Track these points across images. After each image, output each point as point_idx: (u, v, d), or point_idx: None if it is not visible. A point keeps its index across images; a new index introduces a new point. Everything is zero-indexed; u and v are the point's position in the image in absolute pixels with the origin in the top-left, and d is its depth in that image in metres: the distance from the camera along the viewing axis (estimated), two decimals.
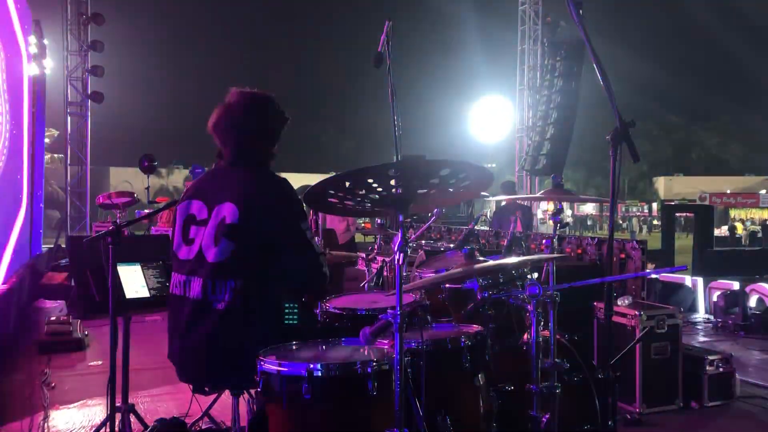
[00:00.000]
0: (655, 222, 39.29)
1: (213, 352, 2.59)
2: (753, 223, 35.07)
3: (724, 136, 57.85)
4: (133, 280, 3.53)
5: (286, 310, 2.75)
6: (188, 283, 2.65)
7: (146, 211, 9.17)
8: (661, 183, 52.36)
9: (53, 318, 6.58)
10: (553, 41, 16.77)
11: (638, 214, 43.54)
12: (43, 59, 11.22)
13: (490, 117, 22.84)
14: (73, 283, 8.12)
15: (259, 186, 2.68)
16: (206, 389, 2.79)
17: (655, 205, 42.62)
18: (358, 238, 9.95)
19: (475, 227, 6.46)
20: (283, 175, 2.83)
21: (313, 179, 2.44)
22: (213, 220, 2.64)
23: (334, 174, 2.06)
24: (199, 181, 2.87)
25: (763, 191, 42.52)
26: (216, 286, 2.58)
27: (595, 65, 2.26)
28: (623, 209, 41.99)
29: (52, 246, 11.67)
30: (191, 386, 2.77)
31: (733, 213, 38.64)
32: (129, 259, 3.53)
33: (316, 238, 2.67)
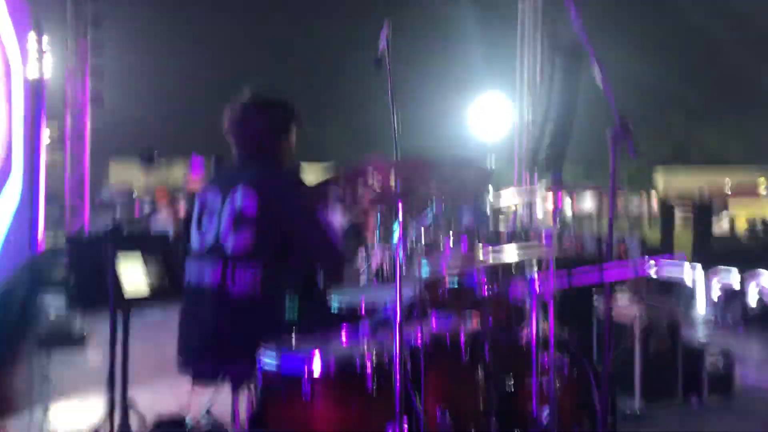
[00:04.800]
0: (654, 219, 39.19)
1: (226, 340, 2.62)
2: (753, 223, 34.96)
3: (724, 134, 57.77)
4: (133, 276, 3.53)
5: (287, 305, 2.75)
6: (203, 271, 2.67)
7: (146, 205, 9.18)
8: (660, 175, 52.20)
9: (52, 313, 6.58)
10: (553, 37, 16.73)
11: (638, 210, 43.39)
12: (43, 58, 11.19)
13: (490, 114, 22.79)
14: (72, 279, 8.11)
15: (275, 176, 2.74)
16: (206, 380, 2.80)
17: (654, 200, 42.48)
18: None
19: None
20: None
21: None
22: (229, 208, 2.66)
23: (332, 168, 2.06)
24: (215, 175, 2.98)
25: (762, 187, 42.45)
26: (235, 274, 2.60)
27: (593, 61, 2.25)
28: (623, 206, 41.85)
29: (51, 242, 11.67)
30: (191, 381, 2.77)
31: (732, 209, 38.56)
32: (129, 255, 3.53)
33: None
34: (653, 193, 41.85)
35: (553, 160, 16.19)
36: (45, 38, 11.40)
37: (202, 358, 2.69)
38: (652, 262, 7.32)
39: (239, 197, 2.64)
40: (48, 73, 12.02)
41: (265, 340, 2.41)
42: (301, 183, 2.73)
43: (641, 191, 43.39)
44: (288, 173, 2.80)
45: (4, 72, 7.25)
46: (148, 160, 6.98)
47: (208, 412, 3.67)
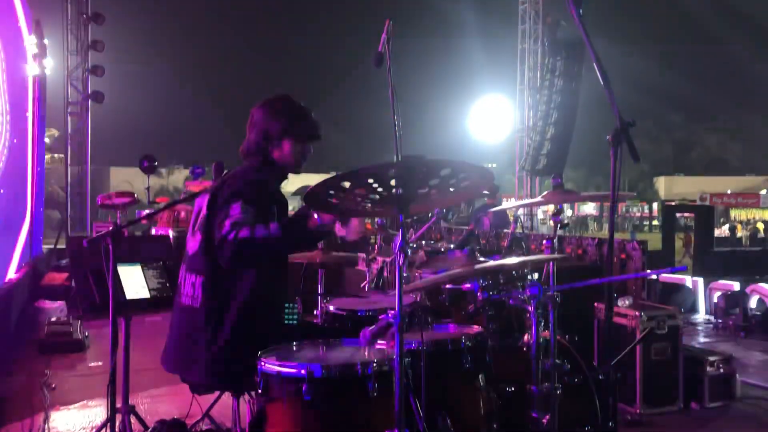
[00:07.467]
0: (655, 222, 39.23)
1: (178, 348, 2.62)
2: (750, 223, 34.92)
3: (725, 136, 57.81)
4: (134, 281, 3.54)
5: (286, 311, 2.75)
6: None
7: (146, 211, 9.16)
8: (661, 183, 52.29)
9: (53, 319, 6.57)
10: (554, 41, 16.76)
11: (639, 214, 43.48)
12: (43, 59, 11.21)
13: (491, 117, 22.81)
14: (73, 284, 8.12)
15: (227, 177, 2.67)
16: (201, 389, 2.80)
17: (655, 205, 42.56)
18: None
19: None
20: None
21: (313, 179, 2.43)
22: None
23: (334, 174, 2.06)
24: (215, 179, 2.95)
25: (764, 191, 42.46)
26: (186, 280, 2.59)
27: (595, 65, 2.25)
28: (623, 209, 41.95)
29: (52, 246, 11.66)
30: (190, 386, 2.77)
31: (733, 213, 38.54)
32: (129, 260, 3.54)
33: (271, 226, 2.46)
34: (655, 203, 41.84)
35: (554, 164, 16.22)
36: (45, 40, 11.42)
37: (176, 365, 2.69)
38: (654, 277, 7.31)
39: (202, 203, 2.63)
40: (48, 74, 12.05)
41: (216, 351, 2.41)
42: (233, 178, 2.58)
43: (642, 203, 43.42)
44: (236, 171, 2.65)
45: None
46: (148, 167, 6.93)
47: (208, 416, 3.68)
